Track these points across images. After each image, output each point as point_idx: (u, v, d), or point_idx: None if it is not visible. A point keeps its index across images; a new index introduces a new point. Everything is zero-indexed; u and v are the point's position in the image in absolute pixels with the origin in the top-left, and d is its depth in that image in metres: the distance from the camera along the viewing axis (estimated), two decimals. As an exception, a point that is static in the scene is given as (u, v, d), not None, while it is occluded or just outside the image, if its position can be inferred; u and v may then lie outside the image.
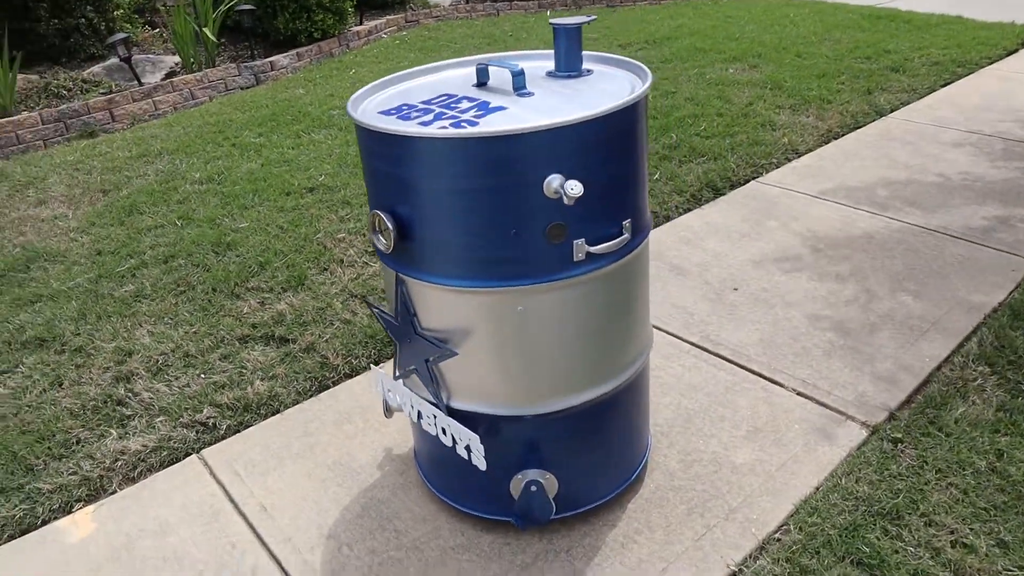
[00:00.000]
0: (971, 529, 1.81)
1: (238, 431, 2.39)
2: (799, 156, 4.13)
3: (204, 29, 6.15)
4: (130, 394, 2.53)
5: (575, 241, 1.55)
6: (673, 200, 3.65)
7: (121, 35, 5.74)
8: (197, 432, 2.37)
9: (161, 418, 2.42)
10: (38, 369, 2.69)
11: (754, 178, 3.90)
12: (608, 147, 1.51)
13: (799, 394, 2.33)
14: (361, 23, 8.07)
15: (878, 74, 5.23)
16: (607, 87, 1.68)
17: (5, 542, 2.07)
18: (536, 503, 1.76)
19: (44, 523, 2.12)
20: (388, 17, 8.40)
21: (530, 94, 1.66)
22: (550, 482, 1.81)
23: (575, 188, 1.39)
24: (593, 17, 1.87)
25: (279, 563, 1.92)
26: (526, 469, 1.81)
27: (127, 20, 6.83)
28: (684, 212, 3.60)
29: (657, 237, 3.38)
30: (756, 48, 6.02)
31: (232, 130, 5.09)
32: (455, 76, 1.87)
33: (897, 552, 1.77)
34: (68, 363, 2.70)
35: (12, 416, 2.46)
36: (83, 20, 6.23)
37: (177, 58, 6.42)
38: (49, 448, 2.32)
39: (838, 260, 3.06)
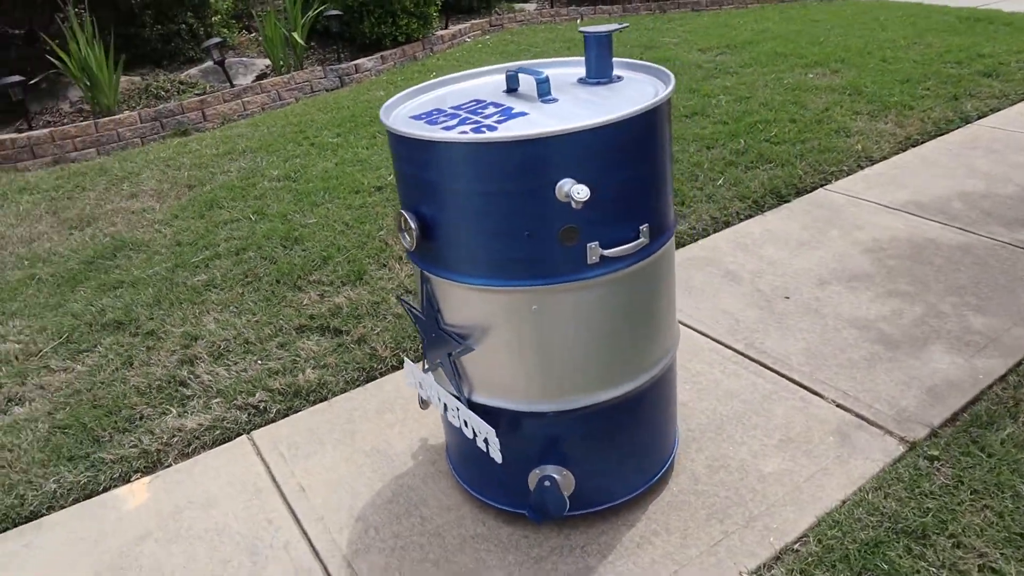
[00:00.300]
0: (1002, 554, 1.75)
1: (287, 415, 2.52)
2: (872, 164, 4.00)
3: (293, 34, 6.43)
4: (192, 376, 2.70)
5: (589, 244, 1.59)
6: (735, 206, 3.61)
7: (216, 39, 6.07)
8: (249, 414, 2.52)
9: (217, 400, 2.57)
10: (113, 349, 2.90)
11: (822, 185, 3.81)
12: (621, 153, 1.54)
13: (838, 406, 2.29)
14: (446, 27, 8.25)
15: (968, 79, 5.00)
16: (632, 94, 1.71)
17: (71, 504, 2.26)
18: (550, 498, 1.80)
19: (105, 490, 2.30)
20: (473, 21, 8.56)
21: (554, 100, 1.71)
22: (567, 479, 1.85)
23: (580, 192, 1.43)
24: (625, 25, 1.90)
25: (310, 541, 2.03)
26: (544, 464, 1.85)
27: (224, 25, 7.20)
28: (745, 218, 3.55)
29: (714, 243, 3.35)
30: (839, 53, 5.85)
31: (312, 130, 5.32)
32: (489, 83, 1.93)
33: (918, 572, 1.72)
34: (140, 345, 2.91)
35: (86, 391, 2.67)
36: (183, 25, 6.62)
37: (268, 61, 6.73)
38: (115, 422, 2.51)
39: (899, 272, 2.97)
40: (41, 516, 2.23)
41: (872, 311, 2.73)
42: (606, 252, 1.60)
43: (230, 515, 2.14)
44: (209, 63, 6.55)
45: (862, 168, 3.97)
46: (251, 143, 5.15)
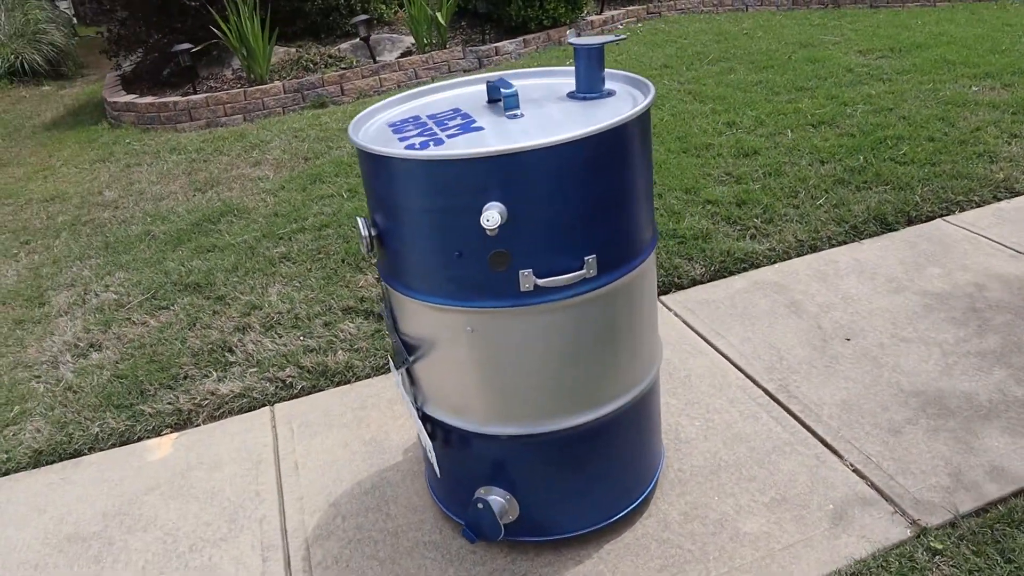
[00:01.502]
0: (978, 675, 1.52)
1: (310, 393, 2.63)
2: (1012, 197, 3.52)
3: (437, 14, 6.58)
4: (239, 344, 2.88)
5: (521, 271, 1.52)
6: (827, 230, 3.31)
7: (363, 16, 6.34)
8: (276, 387, 2.65)
9: (254, 370, 2.73)
10: (185, 310, 3.15)
11: (941, 216, 3.40)
12: (559, 180, 1.46)
13: (854, 471, 2.06)
14: (600, 12, 8.12)
15: None
16: (604, 114, 1.61)
17: (108, 448, 2.49)
18: (485, 520, 1.77)
19: (139, 439, 2.52)
20: (628, 8, 8.36)
21: (519, 116, 1.64)
22: (510, 504, 1.80)
23: (490, 220, 1.38)
24: (623, 37, 1.79)
25: (283, 518, 2.12)
26: (490, 486, 1.81)
27: (382, 1, 7.50)
28: (836, 245, 3.25)
29: (792, 268, 3.10)
30: (1020, 64, 5.16)
31: (435, 112, 5.43)
32: (479, 91, 1.89)
33: (868, 675, 1.53)
34: (208, 308, 3.13)
35: (149, 347, 2.92)
36: (342, 0, 6.96)
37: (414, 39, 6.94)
38: (163, 379, 2.73)
39: (994, 326, 2.61)
40: (82, 455, 2.48)
41: (941, 367, 2.43)
42: (540, 281, 1.53)
43: (228, 481, 2.28)
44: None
45: (998, 200, 3.51)
46: (375, 121, 5.35)
